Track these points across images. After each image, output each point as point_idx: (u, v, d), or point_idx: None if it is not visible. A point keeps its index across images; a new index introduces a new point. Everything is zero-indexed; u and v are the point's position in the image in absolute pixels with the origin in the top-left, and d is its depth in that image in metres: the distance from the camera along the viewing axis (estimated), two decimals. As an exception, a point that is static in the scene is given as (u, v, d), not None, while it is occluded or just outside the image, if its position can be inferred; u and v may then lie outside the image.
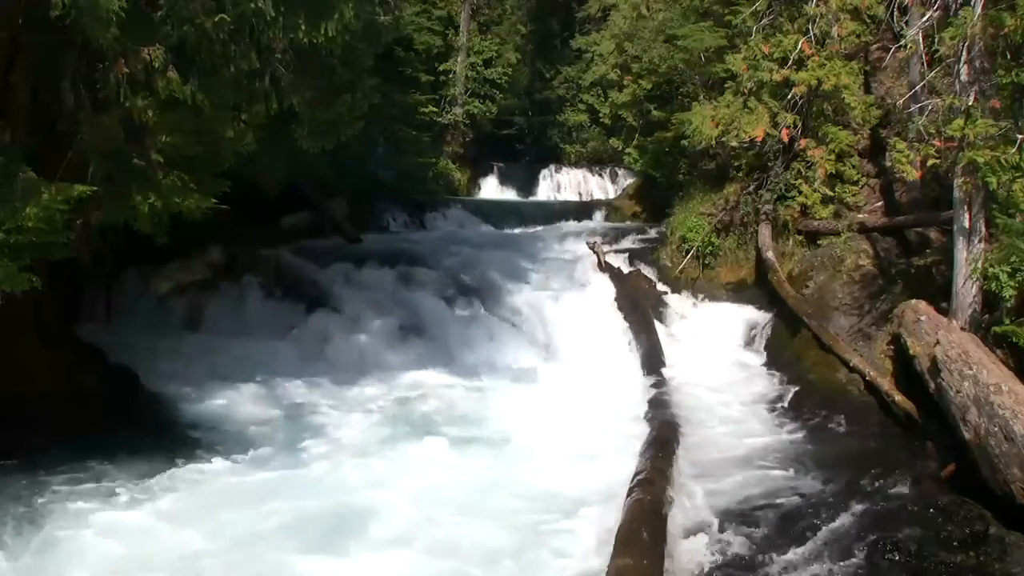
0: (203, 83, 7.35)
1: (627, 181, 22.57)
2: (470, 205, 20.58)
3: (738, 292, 12.59)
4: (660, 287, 13.23)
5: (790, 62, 11.81)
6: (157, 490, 6.90)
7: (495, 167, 24.93)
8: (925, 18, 8.73)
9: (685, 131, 13.84)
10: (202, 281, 11.79)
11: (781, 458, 7.93)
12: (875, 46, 12.94)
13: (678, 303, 12.77)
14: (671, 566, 5.65)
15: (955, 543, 5.98)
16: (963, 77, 7.92)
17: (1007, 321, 7.27)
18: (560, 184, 24.44)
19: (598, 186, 24.17)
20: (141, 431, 8.12)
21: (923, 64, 9.55)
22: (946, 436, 7.31)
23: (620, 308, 12.38)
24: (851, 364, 9.32)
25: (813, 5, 11.69)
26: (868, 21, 11.94)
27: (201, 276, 11.82)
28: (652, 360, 10.99)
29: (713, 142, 12.67)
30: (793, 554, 6.04)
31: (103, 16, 6.18)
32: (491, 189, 24.49)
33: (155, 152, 7.47)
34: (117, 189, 7.34)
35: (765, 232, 12.40)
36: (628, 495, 6.45)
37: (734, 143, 12.50)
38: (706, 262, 13.26)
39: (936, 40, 8.17)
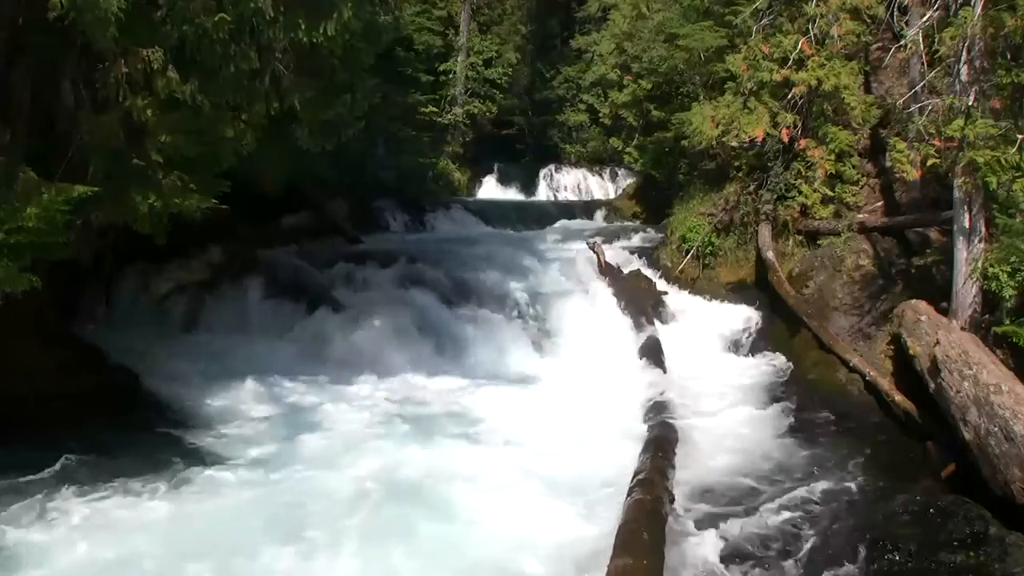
0: (203, 83, 7.35)
1: (627, 181, 22.60)
2: (470, 205, 20.59)
3: (738, 292, 12.59)
4: (660, 287, 13.22)
5: (790, 62, 11.81)
6: (157, 489, 6.90)
7: (495, 167, 24.94)
8: (925, 18, 8.73)
9: (685, 131, 13.86)
10: (202, 281, 11.79)
11: (780, 458, 7.93)
12: (875, 46, 12.94)
13: (678, 303, 12.77)
14: (670, 566, 5.65)
15: (955, 543, 5.98)
16: (963, 77, 7.92)
17: (1007, 321, 7.28)
18: (560, 184, 24.46)
19: (598, 186, 24.19)
20: (141, 431, 8.13)
21: (923, 64, 9.56)
22: (946, 436, 7.31)
23: (620, 308, 12.37)
24: (851, 364, 9.32)
25: (813, 5, 11.69)
26: (868, 21, 11.93)
27: (201, 276, 11.81)
28: (652, 359, 10.99)
29: (713, 142, 12.66)
30: (793, 554, 6.05)
31: (102, 17, 6.19)
32: (491, 189, 24.49)
33: (155, 152, 7.47)
34: (117, 189, 7.34)
35: (765, 232, 12.40)
36: (628, 495, 6.45)
37: (734, 143, 12.49)
38: (706, 262, 13.27)
39: (936, 40, 8.17)
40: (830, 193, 12.16)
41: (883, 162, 12.12)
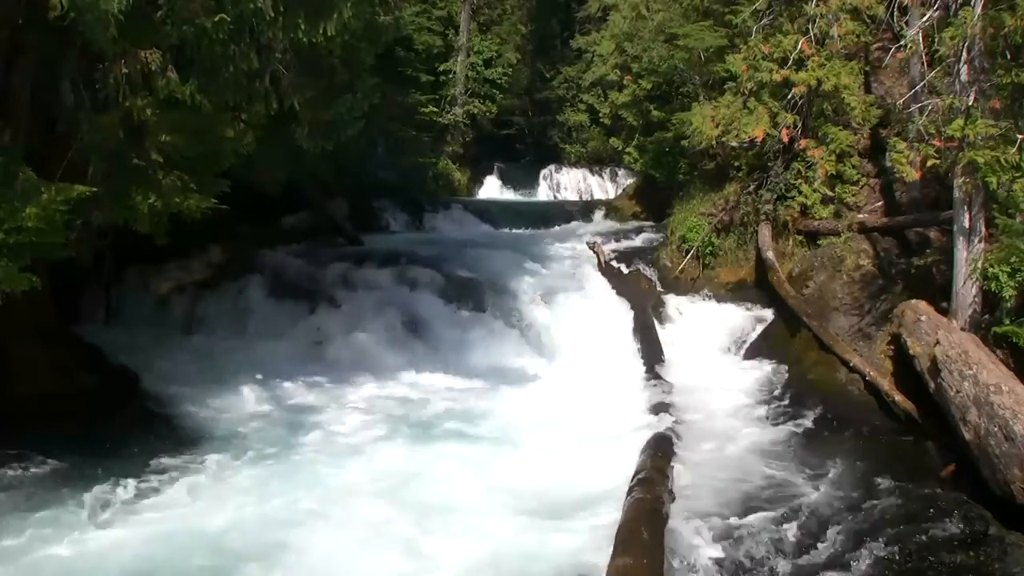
0: (203, 83, 7.36)
1: (627, 181, 22.55)
2: (470, 205, 20.56)
3: (738, 292, 12.58)
4: (660, 287, 13.22)
5: (790, 62, 11.79)
6: (156, 490, 6.91)
7: (495, 167, 24.89)
8: (925, 18, 8.73)
9: (685, 131, 13.84)
10: (202, 281, 11.80)
11: (781, 458, 7.92)
12: (875, 46, 12.92)
13: (678, 303, 12.76)
14: (670, 566, 5.65)
15: (955, 543, 5.99)
16: (963, 77, 7.92)
17: (1007, 321, 7.28)
18: (560, 184, 24.42)
19: (598, 186, 24.15)
20: (141, 431, 8.13)
21: (923, 64, 9.55)
22: (946, 436, 7.32)
23: (620, 308, 12.37)
24: (851, 364, 9.32)
25: (813, 5, 11.68)
26: (868, 21, 11.92)
27: (201, 276, 11.84)
28: (652, 360, 10.99)
29: (713, 142, 12.65)
30: (792, 554, 6.05)
31: (102, 17, 6.19)
32: (491, 189, 24.46)
33: (155, 152, 7.48)
34: (117, 189, 7.36)
35: (765, 232, 12.40)
36: (628, 494, 6.45)
37: (734, 143, 12.49)
38: (706, 262, 13.26)
39: (936, 40, 8.17)
40: (830, 193, 12.15)
41: (883, 162, 12.10)
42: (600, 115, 24.00)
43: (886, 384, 8.80)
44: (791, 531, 6.39)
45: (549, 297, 12.60)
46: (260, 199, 12.47)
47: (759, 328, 11.64)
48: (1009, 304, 7.41)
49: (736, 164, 13.38)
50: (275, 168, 11.39)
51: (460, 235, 17.25)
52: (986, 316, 7.91)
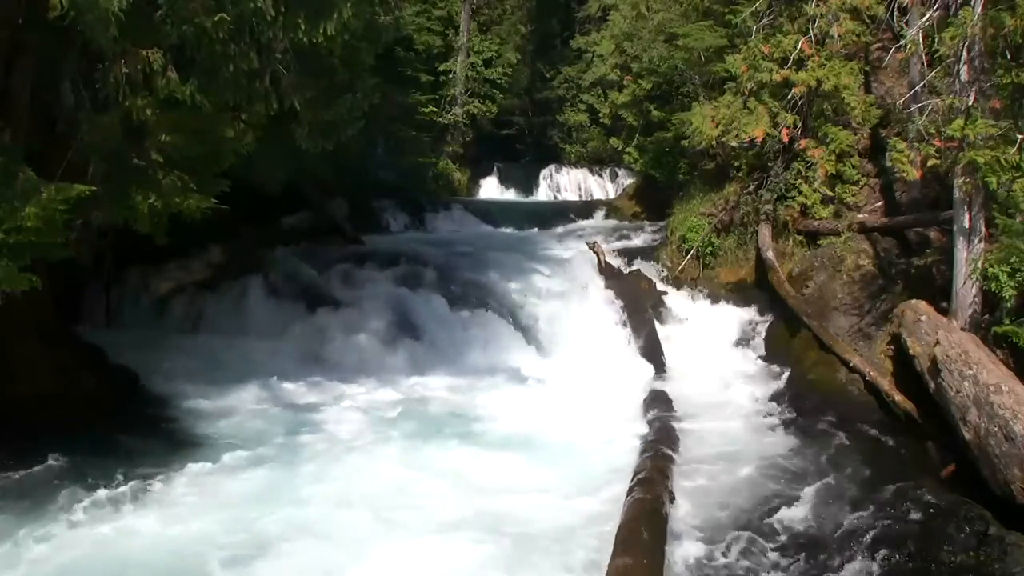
0: (203, 83, 7.35)
1: (627, 181, 22.56)
2: (470, 205, 20.58)
3: (738, 292, 12.59)
4: (660, 287, 13.22)
5: (790, 62, 11.80)
6: (157, 490, 6.90)
7: (495, 167, 24.91)
8: (925, 18, 8.73)
9: (685, 131, 13.86)
10: (202, 281, 11.80)
11: (780, 458, 7.92)
12: (875, 46, 12.93)
13: (678, 303, 12.77)
14: (670, 566, 5.65)
15: (955, 543, 5.98)
16: (963, 77, 7.92)
17: (1007, 321, 7.28)
18: (560, 184, 24.45)
19: (598, 186, 24.17)
20: (141, 431, 8.13)
21: (923, 64, 9.55)
22: (946, 436, 7.32)
23: (620, 308, 12.38)
24: (851, 364, 9.32)
25: (813, 5, 11.68)
26: (868, 21, 11.93)
27: (201, 276, 11.84)
28: (652, 360, 11.00)
29: (713, 142, 12.66)
30: (792, 554, 6.05)
31: (102, 17, 6.19)
32: (491, 189, 24.48)
33: (155, 152, 7.48)
34: (117, 189, 7.35)
35: (765, 232, 12.40)
36: (628, 494, 6.46)
37: (734, 143, 12.50)
38: (706, 262, 13.27)
39: (936, 40, 8.17)
40: (830, 193, 12.15)
41: (883, 162, 12.10)
42: (600, 115, 24.02)
43: (886, 384, 8.81)
44: (789, 531, 6.39)
45: (549, 297, 12.61)
46: (260, 199, 12.46)
47: (759, 328, 11.64)
48: (1009, 304, 7.41)
49: (736, 164, 13.39)
50: (275, 168, 11.39)
51: (460, 235, 17.25)
52: (986, 316, 7.91)
